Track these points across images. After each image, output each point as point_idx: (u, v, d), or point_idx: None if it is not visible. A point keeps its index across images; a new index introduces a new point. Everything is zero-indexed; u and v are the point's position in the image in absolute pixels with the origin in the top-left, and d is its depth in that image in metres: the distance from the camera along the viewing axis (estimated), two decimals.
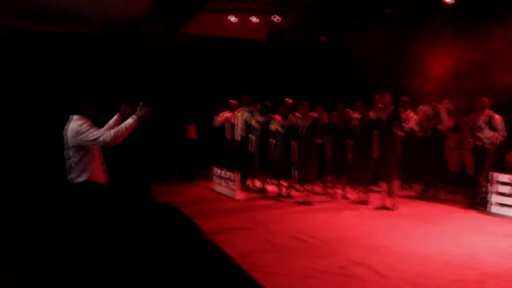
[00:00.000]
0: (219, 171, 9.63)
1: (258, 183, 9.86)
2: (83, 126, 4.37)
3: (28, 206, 6.73)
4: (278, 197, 8.93)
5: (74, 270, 4.48)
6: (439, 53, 8.52)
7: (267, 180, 9.73)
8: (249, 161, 9.62)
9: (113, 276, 4.45)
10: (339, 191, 8.88)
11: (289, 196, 8.90)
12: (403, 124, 7.82)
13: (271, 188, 9.62)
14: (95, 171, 4.56)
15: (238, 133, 9.94)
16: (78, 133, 4.39)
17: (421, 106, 8.75)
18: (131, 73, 10.47)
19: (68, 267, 4.60)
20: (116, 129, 4.42)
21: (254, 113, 9.57)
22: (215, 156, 10.63)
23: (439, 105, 8.44)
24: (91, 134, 4.35)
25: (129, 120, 4.48)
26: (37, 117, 9.31)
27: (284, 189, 9.04)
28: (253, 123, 9.42)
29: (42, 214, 6.26)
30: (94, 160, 4.56)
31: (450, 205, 8.02)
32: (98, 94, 4.84)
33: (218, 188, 9.65)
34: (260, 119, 9.32)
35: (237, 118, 9.97)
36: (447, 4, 8.68)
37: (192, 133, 11.22)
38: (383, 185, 7.79)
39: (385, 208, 7.67)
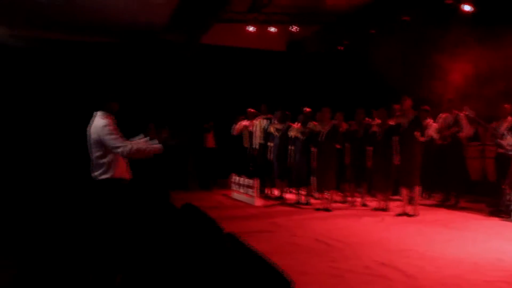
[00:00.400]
0: (237, 178, 9.64)
1: (276, 192, 9.83)
2: (107, 128, 4.28)
3: (54, 204, 6.78)
4: (297, 204, 8.87)
5: (98, 268, 4.46)
6: (459, 60, 8.50)
7: (285, 188, 9.71)
8: (268, 169, 9.61)
9: (135, 276, 4.42)
10: (358, 199, 8.81)
11: (308, 203, 8.85)
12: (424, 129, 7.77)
13: (289, 196, 9.59)
14: (120, 168, 4.50)
15: (256, 141, 9.97)
16: (101, 131, 4.33)
17: (440, 114, 8.71)
18: (150, 81, 10.61)
19: (92, 265, 4.59)
20: (138, 146, 4.30)
21: (272, 121, 9.60)
22: (233, 164, 10.65)
23: (460, 113, 8.39)
24: (112, 140, 4.26)
25: (155, 146, 4.42)
26: (62, 118, 9.50)
27: (303, 197, 8.99)
28: (272, 130, 9.44)
29: (67, 212, 6.29)
30: (118, 156, 4.52)
31: (472, 213, 7.89)
32: (120, 92, 4.84)
33: (236, 195, 9.65)
34: (279, 126, 9.34)
35: (255, 126, 10.02)
36: (465, 12, 8.68)
37: (210, 141, 11.27)
38: (404, 191, 7.70)
39: (406, 214, 7.57)
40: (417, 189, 7.64)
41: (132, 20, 10.03)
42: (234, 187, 9.80)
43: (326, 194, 8.32)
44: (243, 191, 9.35)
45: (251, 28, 10.89)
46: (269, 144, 9.54)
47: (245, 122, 10.37)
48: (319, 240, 5.99)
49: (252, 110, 10.33)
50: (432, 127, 8.84)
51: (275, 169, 9.34)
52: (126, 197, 4.61)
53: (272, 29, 11.04)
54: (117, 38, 10.51)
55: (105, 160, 4.39)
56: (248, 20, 10.91)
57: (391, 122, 7.93)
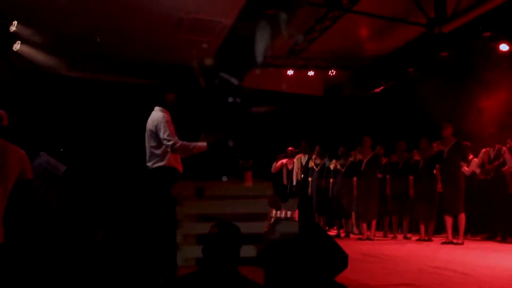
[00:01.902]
0: (276, 212, 9.61)
1: None
2: (163, 120, 4.53)
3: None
4: (337, 237, 8.75)
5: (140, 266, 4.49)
6: (499, 94, 8.57)
7: (324, 224, 9.60)
8: (307, 204, 9.58)
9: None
10: (399, 234, 8.62)
11: (348, 236, 8.74)
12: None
13: (329, 232, 9.48)
14: (172, 158, 4.70)
15: (295, 178, 10.06)
16: (157, 123, 4.62)
17: (482, 149, 8.65)
18: (191, 120, 11.00)
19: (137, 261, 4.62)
20: (186, 143, 4.54)
21: (312, 156, 9.73)
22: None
23: (502, 146, 8.33)
24: (166, 133, 4.49)
25: (201, 144, 4.70)
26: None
27: (342, 232, 8.88)
28: (312, 165, 9.55)
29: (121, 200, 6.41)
30: None
31: None
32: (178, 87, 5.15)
33: None
34: (318, 161, 9.46)
35: (294, 164, 10.16)
36: (503, 52, 8.86)
37: (249, 180, 11.34)
38: (449, 220, 7.52)
39: (452, 243, 7.35)
40: (463, 216, 7.44)
41: (175, 59, 10.66)
42: (272, 221, 9.76)
43: (366, 231, 8.22)
44: None
45: (290, 72, 11.32)
46: (309, 179, 9.61)
47: (284, 160, 10.53)
48: (367, 254, 5.94)
49: (291, 149, 10.51)
50: (474, 162, 8.76)
51: (314, 203, 9.33)
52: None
53: (311, 73, 11.44)
54: (160, 78, 11.17)
55: (159, 150, 4.61)
56: (287, 65, 11.38)
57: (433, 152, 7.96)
